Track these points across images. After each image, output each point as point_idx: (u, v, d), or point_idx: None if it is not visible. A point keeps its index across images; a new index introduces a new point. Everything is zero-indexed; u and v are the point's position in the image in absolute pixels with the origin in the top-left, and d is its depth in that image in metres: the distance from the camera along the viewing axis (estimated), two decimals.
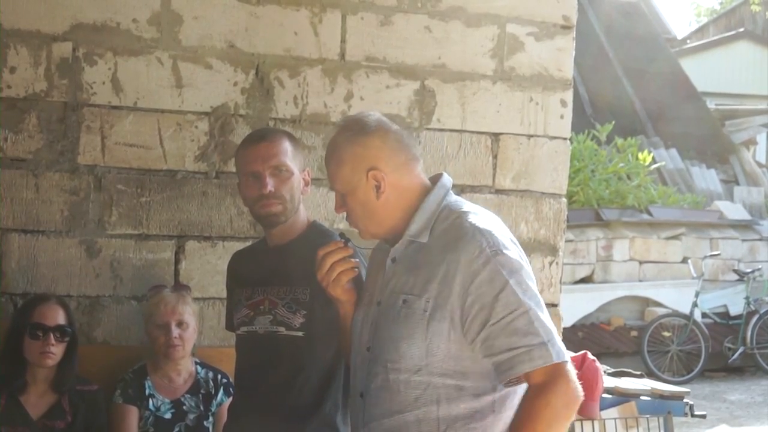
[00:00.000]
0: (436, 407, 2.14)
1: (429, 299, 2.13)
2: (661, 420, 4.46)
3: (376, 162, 2.23)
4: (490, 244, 2.12)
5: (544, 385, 2.06)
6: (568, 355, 2.12)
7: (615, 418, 4.31)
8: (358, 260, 2.38)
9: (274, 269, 2.82)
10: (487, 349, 2.09)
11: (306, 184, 2.89)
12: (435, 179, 2.30)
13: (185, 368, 3.35)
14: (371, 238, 2.31)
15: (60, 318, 3.16)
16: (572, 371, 2.10)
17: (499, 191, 3.87)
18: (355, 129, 2.28)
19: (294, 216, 2.84)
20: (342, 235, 2.36)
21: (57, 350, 3.13)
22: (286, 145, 2.82)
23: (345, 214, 2.32)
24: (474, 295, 2.09)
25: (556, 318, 3.93)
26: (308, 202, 3.35)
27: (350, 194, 2.26)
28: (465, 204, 2.27)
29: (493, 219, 2.24)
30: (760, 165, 15.72)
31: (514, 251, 2.15)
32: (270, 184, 2.75)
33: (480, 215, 2.21)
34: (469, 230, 2.15)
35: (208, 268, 3.57)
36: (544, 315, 2.10)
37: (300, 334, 2.74)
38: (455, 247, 2.13)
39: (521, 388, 2.17)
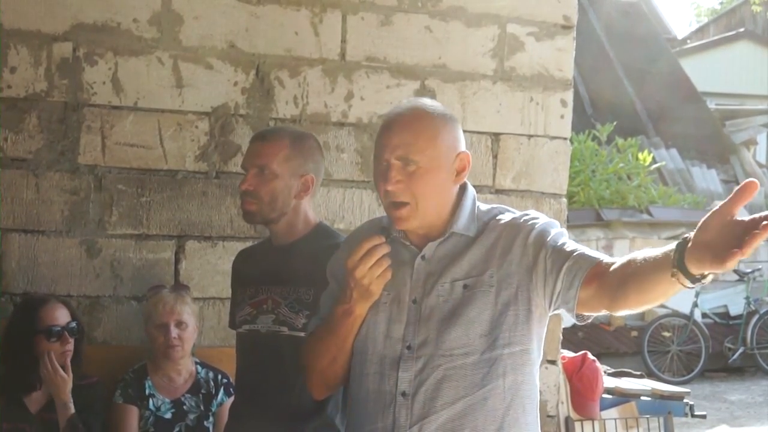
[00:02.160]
0: (502, 380, 2.12)
1: (492, 273, 2.13)
2: (662, 420, 4.46)
3: (464, 147, 2.24)
4: (537, 215, 2.21)
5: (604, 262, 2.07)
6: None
7: (615, 419, 4.31)
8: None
9: (278, 269, 2.82)
10: (554, 274, 2.10)
11: (305, 189, 2.83)
12: (462, 185, 2.31)
13: (185, 368, 3.35)
14: (415, 227, 2.20)
15: (67, 316, 3.19)
16: None
17: (499, 191, 3.87)
18: (445, 111, 2.25)
19: (278, 219, 2.82)
20: (385, 229, 2.24)
21: (72, 347, 3.17)
22: (282, 148, 2.78)
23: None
24: (533, 242, 2.13)
25: (556, 318, 3.92)
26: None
27: (432, 171, 2.16)
28: (495, 205, 2.32)
29: None
30: (760, 165, 15.73)
31: None
32: (248, 182, 2.77)
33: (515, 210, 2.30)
34: (516, 213, 2.22)
35: (208, 268, 3.57)
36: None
37: (302, 334, 2.73)
38: (507, 224, 2.19)
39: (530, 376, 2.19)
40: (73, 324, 3.19)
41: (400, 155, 2.14)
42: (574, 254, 2.09)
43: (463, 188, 2.26)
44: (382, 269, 2.14)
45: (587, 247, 2.18)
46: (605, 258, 2.09)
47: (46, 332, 3.12)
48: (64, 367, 3.11)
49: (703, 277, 1.82)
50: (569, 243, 2.13)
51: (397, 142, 2.15)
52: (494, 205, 2.29)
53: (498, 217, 2.22)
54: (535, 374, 2.19)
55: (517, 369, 2.13)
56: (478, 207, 2.26)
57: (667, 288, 1.91)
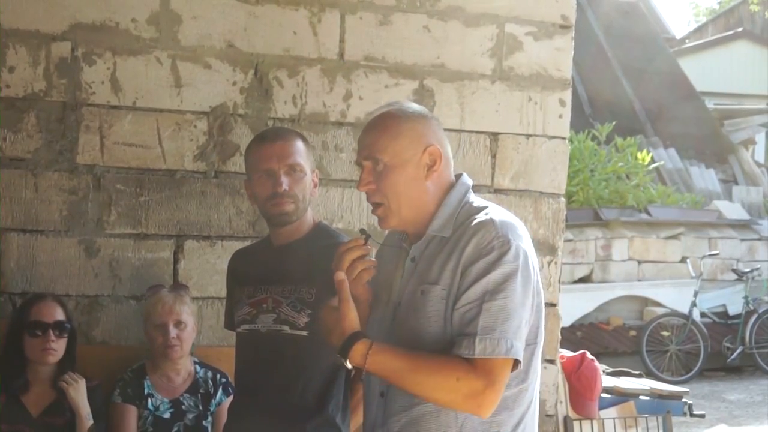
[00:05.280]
0: None
1: (444, 287, 2.14)
2: (660, 420, 4.47)
3: (434, 142, 2.24)
4: (500, 235, 2.12)
5: (469, 365, 2.05)
6: (512, 354, 2.07)
7: (614, 418, 4.32)
8: (373, 259, 2.31)
9: (278, 268, 2.82)
10: (449, 325, 2.12)
11: (315, 185, 2.88)
12: (456, 177, 2.31)
13: (184, 368, 3.35)
14: (395, 225, 2.26)
15: (58, 314, 3.17)
16: (502, 376, 2.07)
17: (497, 191, 3.87)
18: (414, 109, 2.29)
19: (302, 216, 2.84)
20: (363, 231, 2.28)
21: (58, 346, 3.15)
22: (300, 146, 2.83)
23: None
24: (463, 277, 2.11)
25: (555, 318, 3.93)
26: None
27: (397, 168, 2.20)
28: (488, 203, 2.28)
29: (515, 218, 2.25)
30: (758, 165, 15.73)
31: (526, 245, 2.17)
32: (285, 183, 2.76)
33: (501, 211, 2.24)
34: (486, 222, 2.16)
35: (207, 268, 3.57)
36: (504, 311, 2.08)
37: (304, 333, 2.74)
38: (470, 236, 2.15)
39: (534, 382, 2.20)
40: (67, 325, 3.18)
41: (366, 155, 2.23)
42: (459, 336, 2.08)
43: (450, 186, 2.27)
44: (356, 272, 2.21)
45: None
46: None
47: (30, 327, 3.12)
48: (44, 361, 3.12)
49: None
50: (483, 315, 2.07)
51: (363, 144, 2.26)
52: (484, 204, 2.26)
53: (473, 221, 2.18)
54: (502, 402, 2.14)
55: None
56: (464, 204, 2.25)
57: None
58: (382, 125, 2.24)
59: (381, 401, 2.23)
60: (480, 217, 2.18)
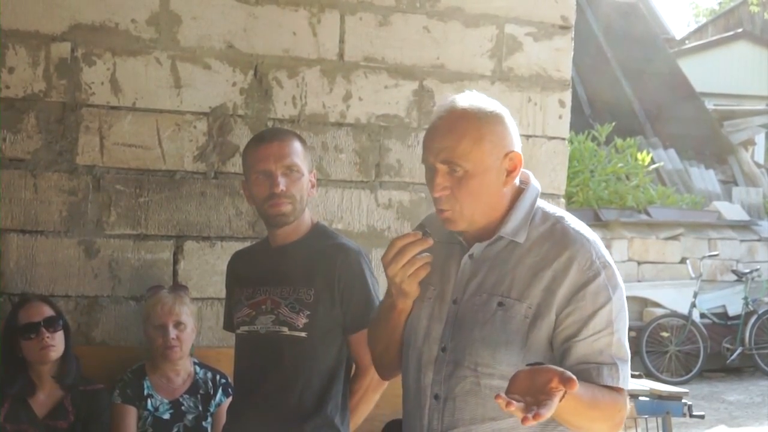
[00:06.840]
0: None
1: (531, 306, 2.03)
2: (660, 420, 4.46)
3: (514, 147, 2.11)
4: (599, 255, 2.05)
5: (620, 395, 2.04)
6: (628, 385, 2.08)
7: None
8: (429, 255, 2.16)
9: (277, 269, 2.82)
10: (561, 356, 2.03)
11: (312, 186, 2.87)
12: (525, 179, 2.17)
13: (184, 368, 3.35)
14: (464, 228, 2.12)
15: (46, 311, 3.16)
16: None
17: None
18: (492, 108, 2.13)
19: (300, 217, 2.84)
20: (422, 226, 2.16)
21: (55, 342, 3.14)
22: (298, 146, 2.82)
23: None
24: (575, 305, 2.02)
25: None
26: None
27: (479, 176, 2.05)
28: (559, 210, 2.18)
29: (590, 229, 2.16)
30: (758, 165, 15.73)
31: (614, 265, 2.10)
32: (282, 184, 2.75)
33: (580, 223, 2.13)
34: (577, 237, 2.07)
35: (207, 269, 3.57)
36: (625, 336, 2.07)
37: (303, 334, 2.74)
38: (564, 254, 2.04)
39: None
40: (59, 320, 3.17)
41: (445, 159, 2.06)
42: (579, 365, 2.00)
43: (522, 188, 2.15)
44: (413, 268, 2.08)
45: None
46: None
47: (23, 330, 3.12)
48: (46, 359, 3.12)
49: None
50: (615, 344, 2.03)
51: (441, 146, 2.07)
52: (558, 213, 2.15)
53: (555, 232, 2.08)
54: None
55: None
56: (537, 210, 2.14)
57: None
58: (463, 128, 2.06)
59: (437, 405, 2.12)
60: (567, 231, 2.09)
